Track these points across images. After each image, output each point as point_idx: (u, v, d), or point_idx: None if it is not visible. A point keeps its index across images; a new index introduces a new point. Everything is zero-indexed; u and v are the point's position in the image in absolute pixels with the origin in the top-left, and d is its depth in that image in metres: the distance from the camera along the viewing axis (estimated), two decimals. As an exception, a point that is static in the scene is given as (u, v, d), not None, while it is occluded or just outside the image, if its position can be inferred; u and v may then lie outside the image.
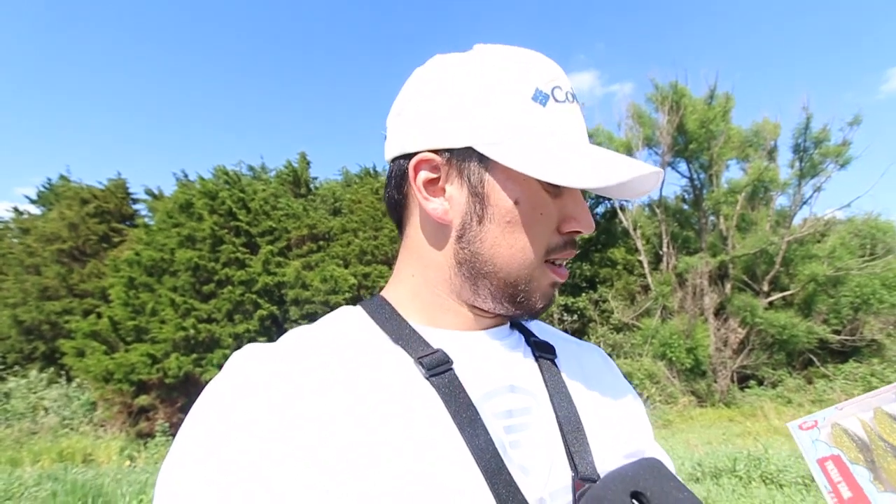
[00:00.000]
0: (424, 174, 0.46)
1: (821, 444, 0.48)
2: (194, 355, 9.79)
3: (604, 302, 15.11)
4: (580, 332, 15.09)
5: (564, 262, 0.49)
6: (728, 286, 14.54)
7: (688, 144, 14.54)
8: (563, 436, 0.46)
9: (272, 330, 11.50)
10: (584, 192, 0.49)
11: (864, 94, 30.44)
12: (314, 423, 0.38)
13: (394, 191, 0.50)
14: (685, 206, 16.79)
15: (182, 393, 9.89)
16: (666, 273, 14.64)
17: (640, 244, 15.11)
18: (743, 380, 13.63)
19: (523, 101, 0.44)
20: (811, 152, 13.77)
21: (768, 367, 13.58)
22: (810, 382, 12.91)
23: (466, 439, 0.40)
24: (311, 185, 15.68)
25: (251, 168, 15.89)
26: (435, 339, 0.46)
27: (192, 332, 9.84)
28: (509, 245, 0.45)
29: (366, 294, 12.05)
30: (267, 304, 11.14)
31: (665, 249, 15.02)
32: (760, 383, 13.22)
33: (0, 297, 12.67)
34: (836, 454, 0.46)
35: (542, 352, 0.52)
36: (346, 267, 12.15)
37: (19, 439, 8.42)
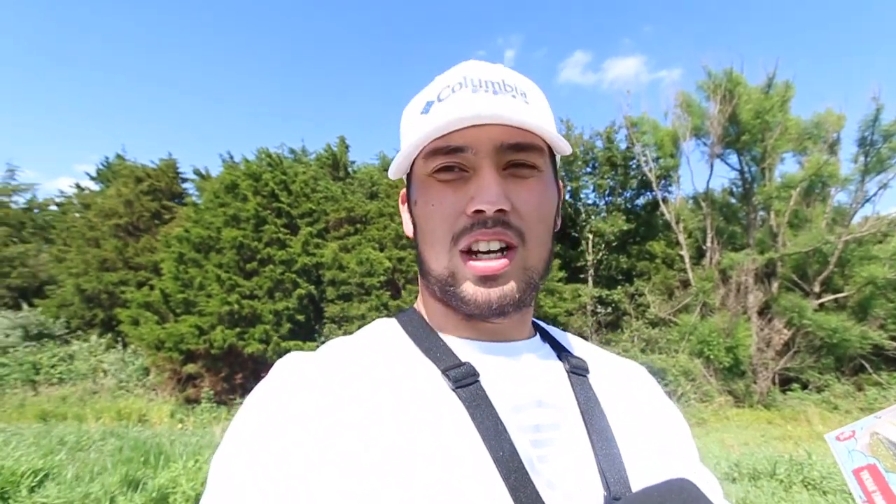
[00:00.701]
0: (406, 206, 0.55)
1: (857, 454, 0.47)
2: (238, 329, 10.29)
3: (640, 296, 14.74)
4: (614, 326, 14.81)
5: (498, 251, 0.46)
6: (775, 285, 13.87)
7: (740, 136, 13.81)
8: (595, 454, 0.45)
9: (309, 308, 11.92)
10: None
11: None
12: (351, 431, 0.40)
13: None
14: (732, 200, 16.03)
15: (226, 363, 10.44)
16: (708, 269, 14.11)
17: (681, 238, 14.59)
18: (785, 382, 13.06)
19: (414, 118, 0.50)
20: (879, 146, 12.81)
21: (814, 371, 12.95)
22: (860, 389, 12.24)
23: (490, 451, 0.40)
24: (350, 169, 15.95)
25: (292, 151, 16.32)
26: (464, 350, 0.48)
27: (235, 307, 10.33)
28: (423, 243, 0.49)
29: (400, 278, 12.25)
30: (305, 284, 11.52)
31: (709, 244, 14.45)
32: (804, 387, 12.65)
33: (65, 267, 13.67)
34: (872, 463, 0.45)
35: (575, 368, 0.51)
36: (382, 250, 12.36)
37: (82, 397, 9.19)
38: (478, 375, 0.45)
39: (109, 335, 12.05)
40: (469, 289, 0.46)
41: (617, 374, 0.55)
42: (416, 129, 0.48)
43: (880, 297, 13.10)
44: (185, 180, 16.16)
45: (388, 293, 11.81)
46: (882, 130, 12.71)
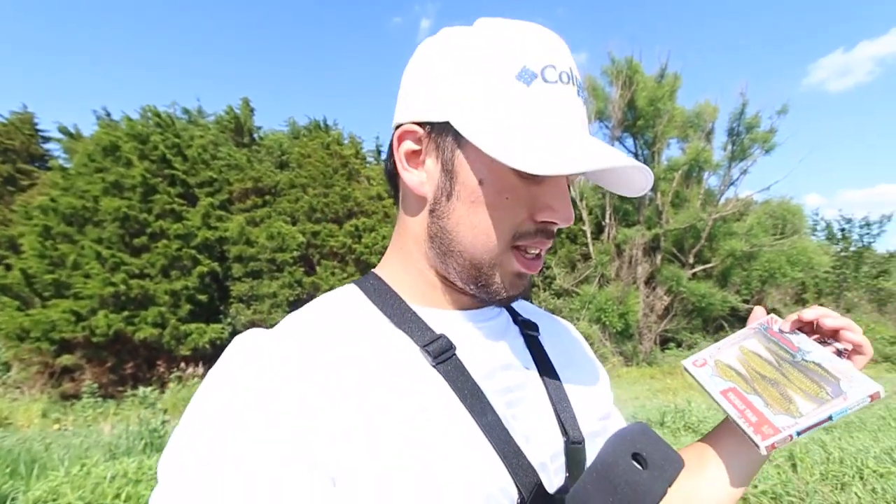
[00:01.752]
0: (408, 145, 0.47)
1: (716, 379, 0.54)
2: (126, 312, 9.12)
3: (547, 268, 15.81)
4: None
5: (537, 253, 0.48)
6: (659, 257, 15.71)
7: (636, 120, 15.11)
8: (553, 405, 0.51)
9: (212, 287, 10.94)
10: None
11: (789, 86, 32.96)
12: (324, 412, 0.38)
13: (388, 160, 0.51)
14: (627, 180, 17.62)
15: (112, 352, 9.25)
16: (607, 243, 15.50)
17: (584, 214, 15.79)
18: (664, 342, 15.05)
19: (506, 78, 0.43)
20: (743, 137, 14.85)
21: (687, 332, 15.07)
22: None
23: (476, 419, 0.43)
24: (256, 135, 14.65)
25: (186, 111, 14.52)
26: (433, 321, 0.48)
27: (122, 287, 9.12)
28: (472, 225, 0.45)
29: (314, 254, 11.71)
30: (207, 260, 10.51)
31: (607, 221, 15.82)
32: (679, 345, 14.68)
33: None
34: (733, 386, 0.52)
35: (529, 330, 0.56)
36: (294, 224, 11.67)
37: (-83, 402, 7.55)
38: (454, 348, 0.46)
39: (-49, 325, 9.97)
40: (506, 282, 0.47)
41: (557, 331, 0.61)
42: (515, 102, 0.43)
43: (737, 267, 15.49)
44: (46, 140, 13.63)
45: (302, 269, 11.25)
46: (746, 123, 14.75)
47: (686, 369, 0.57)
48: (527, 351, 0.54)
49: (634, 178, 0.48)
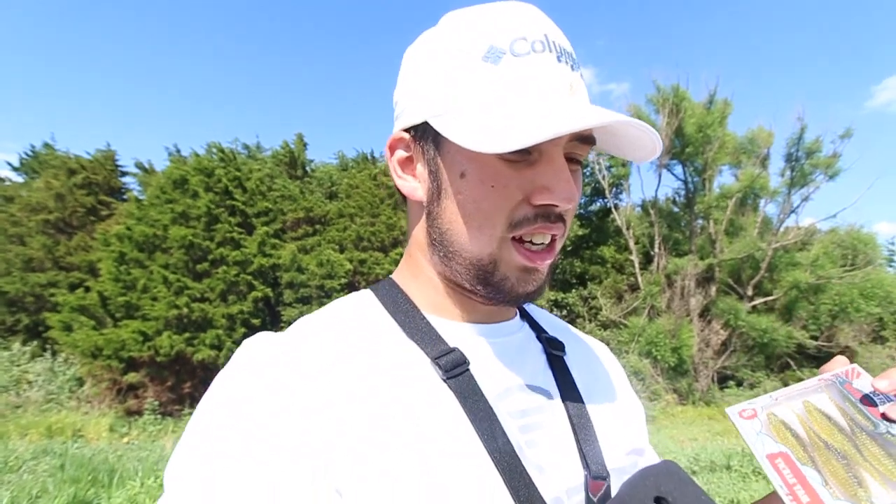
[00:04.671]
0: (400, 153, 0.47)
1: (766, 438, 0.43)
2: (186, 334, 9.67)
3: (593, 299, 15.34)
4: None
5: (547, 243, 0.43)
6: (714, 289, 14.90)
7: (684, 148, 14.74)
8: (575, 434, 0.46)
9: (265, 312, 11.42)
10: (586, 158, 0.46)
11: (851, 108, 31.30)
12: (328, 420, 0.37)
13: (392, 174, 0.49)
14: (675, 209, 17.08)
15: (172, 372, 9.77)
16: (656, 273, 14.93)
17: (631, 244, 15.35)
18: (722, 380, 14.06)
19: (472, 63, 0.41)
20: (802, 162, 14.11)
21: (747, 369, 14.04)
22: (786, 385, 13.42)
23: (484, 442, 0.40)
24: (308, 168, 15.48)
25: (246, 147, 15.61)
26: (448, 332, 0.45)
27: (184, 310, 9.70)
28: (463, 222, 0.43)
29: (361, 281, 12.01)
30: (261, 286, 11.03)
31: (656, 250, 15.29)
32: (739, 384, 13.66)
33: (-19, 267, 12.27)
34: (785, 451, 0.42)
35: (553, 349, 0.51)
36: (342, 252, 12.08)
37: (3, 413, 8.25)
38: (468, 363, 0.43)
39: (35, 342, 10.92)
40: (512, 278, 0.44)
41: (587, 353, 0.56)
42: (484, 85, 0.40)
43: (803, 300, 14.41)
44: (125, 174, 15.01)
45: (349, 296, 11.55)
46: (805, 148, 14.02)
47: (729, 418, 0.47)
48: (549, 371, 0.49)
49: (642, 140, 0.43)
